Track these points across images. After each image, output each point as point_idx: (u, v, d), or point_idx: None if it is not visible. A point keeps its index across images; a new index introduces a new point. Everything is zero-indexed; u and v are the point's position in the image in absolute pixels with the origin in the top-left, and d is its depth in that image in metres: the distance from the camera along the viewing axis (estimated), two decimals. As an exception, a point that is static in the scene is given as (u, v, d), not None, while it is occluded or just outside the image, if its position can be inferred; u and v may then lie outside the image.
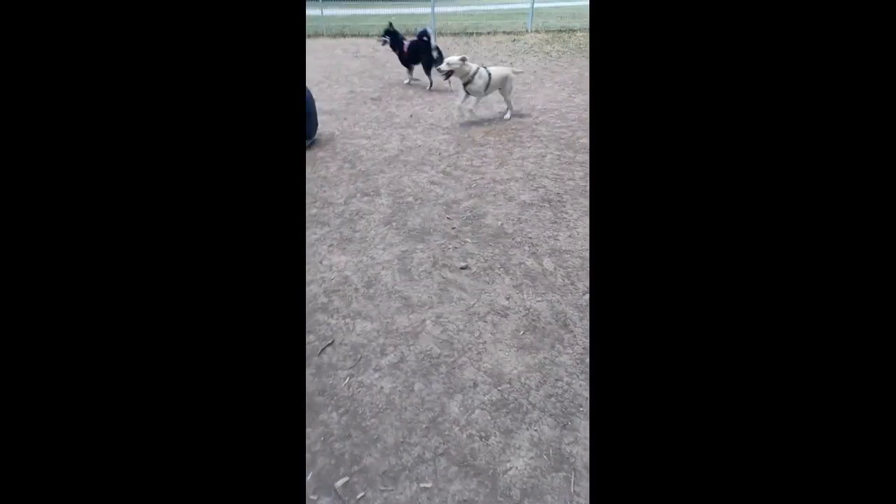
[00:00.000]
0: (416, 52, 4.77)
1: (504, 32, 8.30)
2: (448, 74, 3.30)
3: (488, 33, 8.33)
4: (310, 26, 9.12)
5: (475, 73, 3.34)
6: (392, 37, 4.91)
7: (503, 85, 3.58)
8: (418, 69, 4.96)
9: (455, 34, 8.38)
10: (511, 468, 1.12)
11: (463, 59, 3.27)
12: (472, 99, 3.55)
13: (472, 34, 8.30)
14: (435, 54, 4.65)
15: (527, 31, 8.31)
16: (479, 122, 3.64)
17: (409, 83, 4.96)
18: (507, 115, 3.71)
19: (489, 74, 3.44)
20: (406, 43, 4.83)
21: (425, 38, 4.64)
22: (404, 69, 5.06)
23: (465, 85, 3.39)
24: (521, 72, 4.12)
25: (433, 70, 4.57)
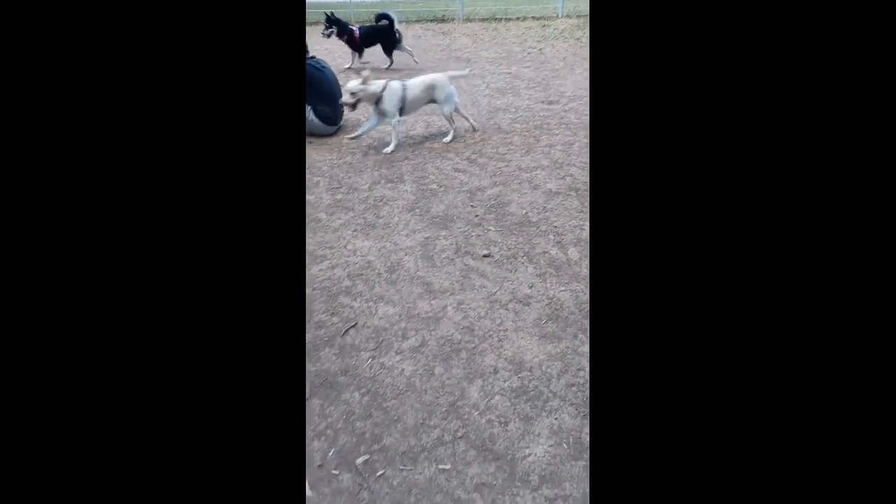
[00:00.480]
0: (371, 36, 4.84)
1: (534, 18, 8.09)
2: (354, 105, 2.74)
3: (517, 19, 8.14)
4: (339, 13, 9.15)
5: (383, 90, 2.75)
6: (336, 24, 4.98)
7: (434, 96, 2.87)
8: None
9: (483, 20, 8.23)
10: (530, 454, 1.12)
11: (364, 81, 2.71)
12: (403, 121, 2.98)
13: (500, 20, 8.13)
14: (397, 35, 4.75)
15: (557, 16, 8.08)
16: (505, 109, 3.58)
17: (360, 65, 4.98)
18: (448, 137, 2.98)
19: (404, 88, 2.78)
20: (355, 29, 4.89)
21: (386, 21, 4.71)
22: (353, 54, 5.09)
23: (376, 106, 2.80)
24: (465, 73, 3.13)
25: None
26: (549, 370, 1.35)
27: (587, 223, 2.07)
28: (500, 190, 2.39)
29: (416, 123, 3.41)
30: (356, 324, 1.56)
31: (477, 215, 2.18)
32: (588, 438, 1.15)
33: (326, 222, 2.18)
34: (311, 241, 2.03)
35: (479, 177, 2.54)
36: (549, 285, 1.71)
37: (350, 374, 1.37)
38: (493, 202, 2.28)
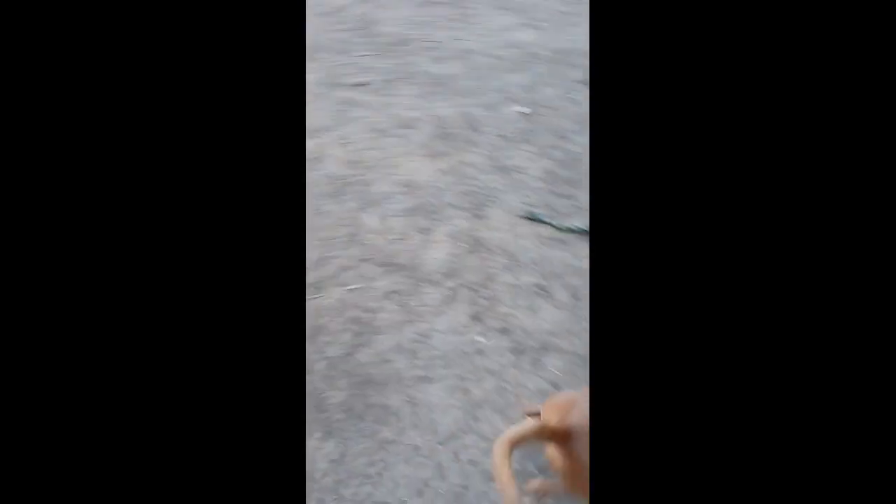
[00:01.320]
0: None
1: None
2: None
3: None
4: None
5: None
6: None
7: None
8: None
9: None
10: (431, 259, 1.19)
11: None
12: None
13: None
14: None
15: None
16: None
17: None
18: None
19: None
20: None
21: None
22: None
23: None
24: None
25: None
26: (440, 185, 1.37)
27: (468, 33, 1.90)
28: (367, 8, 2.05)
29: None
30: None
31: (343, 40, 1.88)
32: (482, 234, 1.23)
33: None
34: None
35: (340, -6, 2.13)
36: (433, 105, 1.62)
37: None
38: (360, 22, 1.97)
